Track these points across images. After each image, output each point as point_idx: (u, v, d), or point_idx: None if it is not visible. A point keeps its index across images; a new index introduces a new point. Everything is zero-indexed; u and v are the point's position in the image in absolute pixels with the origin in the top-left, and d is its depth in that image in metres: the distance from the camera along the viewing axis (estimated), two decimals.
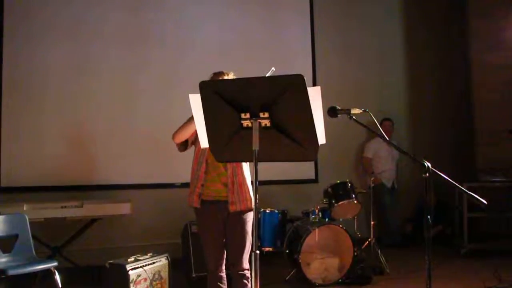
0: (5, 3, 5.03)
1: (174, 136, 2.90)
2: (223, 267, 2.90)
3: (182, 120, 3.00)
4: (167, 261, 3.78)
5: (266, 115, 1.87)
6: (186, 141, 2.95)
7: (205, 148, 2.74)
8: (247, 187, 2.87)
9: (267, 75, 2.57)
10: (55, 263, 3.59)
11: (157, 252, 3.82)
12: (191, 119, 2.79)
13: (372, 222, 4.94)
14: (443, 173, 2.07)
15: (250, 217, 2.87)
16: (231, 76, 2.89)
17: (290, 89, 1.80)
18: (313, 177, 6.31)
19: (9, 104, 5.00)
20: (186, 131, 2.86)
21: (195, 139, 2.91)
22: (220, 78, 2.85)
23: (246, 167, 2.91)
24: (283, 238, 4.60)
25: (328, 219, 4.65)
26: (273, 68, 2.55)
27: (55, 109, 5.19)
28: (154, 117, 5.45)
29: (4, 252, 3.59)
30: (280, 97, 1.82)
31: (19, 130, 5.03)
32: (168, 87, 5.57)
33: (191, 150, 3.02)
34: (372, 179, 5.22)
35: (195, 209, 2.91)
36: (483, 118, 6.37)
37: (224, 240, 2.90)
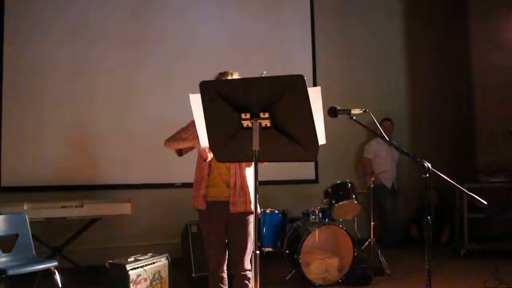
0: (5, 3, 5.03)
1: (166, 143, 2.97)
2: (225, 268, 2.90)
3: (182, 120, 3.01)
4: (167, 261, 3.78)
5: (266, 115, 1.87)
6: (180, 149, 2.98)
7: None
8: (249, 189, 2.87)
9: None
10: (55, 263, 3.58)
11: (157, 252, 3.82)
12: (185, 138, 2.88)
13: (372, 223, 4.94)
14: (443, 174, 2.07)
15: (252, 218, 2.86)
16: (235, 75, 2.90)
17: (290, 90, 1.80)
18: (313, 177, 6.31)
19: (10, 104, 5.00)
20: (177, 144, 2.93)
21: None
22: (224, 78, 2.86)
23: (250, 168, 2.91)
24: (283, 239, 4.60)
25: (328, 220, 4.64)
26: (264, 72, 2.55)
27: (55, 109, 5.19)
28: (154, 117, 5.45)
29: (4, 251, 3.58)
30: (280, 97, 1.82)
31: (20, 130, 5.03)
32: (168, 87, 5.56)
33: (192, 152, 3.02)
34: (372, 179, 5.22)
35: (199, 211, 2.92)
36: (484, 119, 6.37)
37: (226, 241, 2.90)
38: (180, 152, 3.02)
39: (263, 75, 2.53)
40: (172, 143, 2.95)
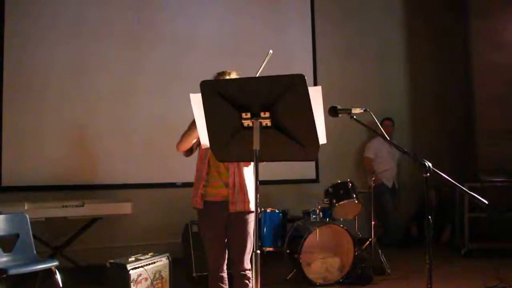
0: (6, 3, 5.04)
1: (177, 146, 2.93)
2: (224, 267, 2.90)
3: (183, 120, 3.01)
4: (168, 261, 3.78)
5: (267, 114, 1.87)
6: (191, 148, 2.97)
7: (208, 149, 2.74)
8: (248, 188, 2.87)
9: (265, 60, 2.60)
10: (56, 263, 3.58)
11: (158, 252, 3.82)
12: (189, 128, 2.84)
13: (372, 222, 4.94)
14: (444, 173, 2.07)
15: (251, 217, 2.87)
16: (233, 75, 2.90)
17: (291, 89, 1.80)
18: (313, 176, 6.31)
19: (11, 103, 5.00)
20: (187, 141, 2.88)
21: (199, 143, 2.92)
22: (223, 78, 2.86)
23: (248, 168, 2.92)
24: (283, 238, 4.60)
25: (329, 219, 4.64)
26: (270, 51, 2.57)
27: (56, 109, 5.20)
28: (155, 117, 5.46)
29: (5, 251, 3.59)
30: (281, 96, 1.82)
31: (20, 130, 5.04)
32: (168, 86, 5.57)
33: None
34: (372, 179, 5.22)
35: (198, 210, 2.92)
36: (484, 118, 6.37)
37: (225, 240, 2.90)
38: (190, 152, 2.99)
39: (269, 54, 2.56)
40: (181, 142, 2.90)
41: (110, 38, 5.44)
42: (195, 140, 2.89)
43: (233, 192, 2.83)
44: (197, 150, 3.02)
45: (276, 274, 4.61)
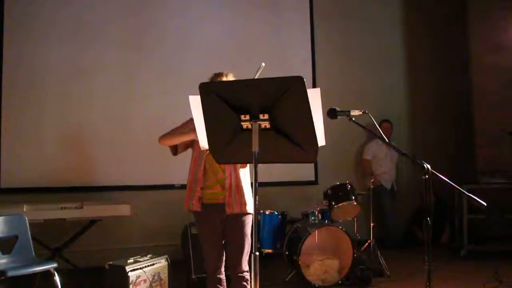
0: (5, 4, 5.04)
1: (161, 139, 2.91)
2: (222, 269, 2.90)
3: (182, 120, 3.00)
4: (166, 263, 3.78)
5: (266, 116, 1.87)
6: (176, 146, 2.95)
7: (204, 151, 2.74)
8: (245, 190, 2.87)
9: (257, 73, 2.60)
10: (55, 265, 3.58)
11: (156, 254, 3.82)
12: (186, 133, 2.81)
13: (371, 224, 4.95)
14: (442, 175, 2.07)
15: (249, 219, 2.87)
16: (230, 77, 2.89)
17: (290, 91, 1.80)
18: (312, 178, 6.31)
19: (9, 104, 5.00)
20: (175, 140, 2.88)
21: (190, 144, 2.92)
22: (219, 79, 2.86)
23: (245, 170, 2.91)
24: (282, 240, 4.59)
25: (328, 221, 4.64)
26: (262, 64, 2.57)
27: (55, 110, 5.19)
28: (153, 119, 5.44)
29: (3, 253, 3.58)
30: (280, 98, 1.82)
31: (19, 131, 5.03)
32: (167, 88, 5.56)
33: (189, 153, 3.02)
34: (371, 180, 5.22)
35: (195, 213, 2.91)
36: (483, 120, 6.37)
37: (223, 242, 2.90)
38: (175, 151, 2.98)
39: (261, 67, 2.57)
40: (168, 139, 2.88)
41: (109, 39, 5.44)
42: (179, 142, 2.89)
43: (229, 194, 2.82)
44: (190, 150, 3.00)
45: (275, 276, 4.61)
